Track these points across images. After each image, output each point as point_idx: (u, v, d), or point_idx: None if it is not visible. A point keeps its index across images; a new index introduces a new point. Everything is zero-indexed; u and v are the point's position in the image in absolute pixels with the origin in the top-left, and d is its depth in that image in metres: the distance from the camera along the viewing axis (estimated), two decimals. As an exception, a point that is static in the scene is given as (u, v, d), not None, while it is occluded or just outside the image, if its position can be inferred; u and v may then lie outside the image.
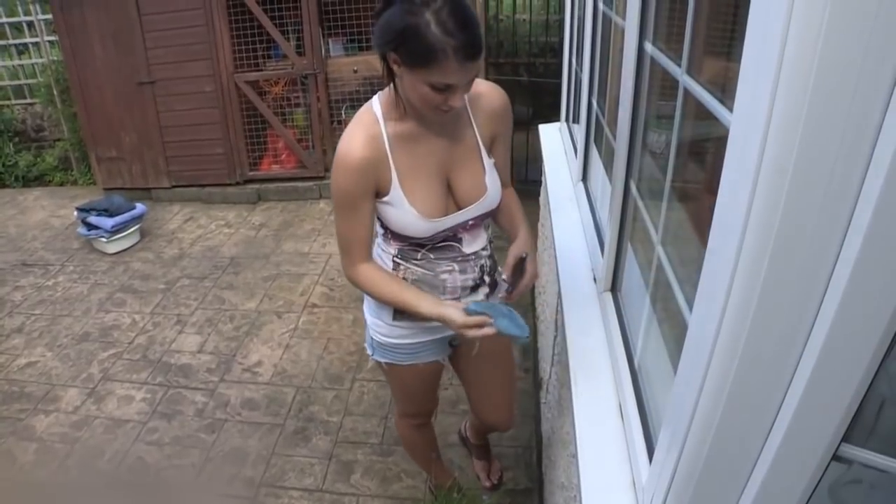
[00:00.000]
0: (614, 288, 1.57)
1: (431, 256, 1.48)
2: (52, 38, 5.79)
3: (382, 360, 1.68)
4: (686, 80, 0.95)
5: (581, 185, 2.20)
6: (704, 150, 1.04)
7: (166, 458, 2.56)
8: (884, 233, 0.55)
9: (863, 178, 0.56)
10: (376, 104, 1.37)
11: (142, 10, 4.43)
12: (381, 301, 1.51)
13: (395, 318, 1.57)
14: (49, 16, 5.16)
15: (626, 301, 1.49)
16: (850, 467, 0.76)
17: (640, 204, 1.30)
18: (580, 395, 1.33)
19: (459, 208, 1.44)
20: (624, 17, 1.57)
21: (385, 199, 1.38)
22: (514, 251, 1.51)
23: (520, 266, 1.49)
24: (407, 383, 1.76)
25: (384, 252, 1.53)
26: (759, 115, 0.60)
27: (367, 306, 1.64)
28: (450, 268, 1.48)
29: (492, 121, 1.46)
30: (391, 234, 1.46)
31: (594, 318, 1.55)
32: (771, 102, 0.58)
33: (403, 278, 1.50)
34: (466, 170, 1.43)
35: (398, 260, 1.50)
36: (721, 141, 0.78)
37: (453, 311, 1.38)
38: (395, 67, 1.24)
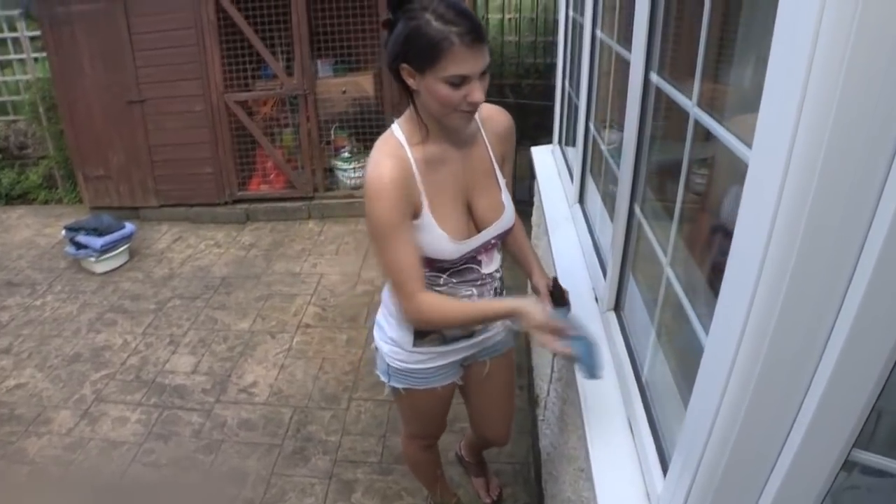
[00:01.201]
0: (617, 307, 1.62)
1: (454, 281, 1.50)
2: (37, 54, 5.78)
3: (400, 387, 1.67)
4: (697, 113, 1.02)
5: (578, 206, 2.27)
6: (711, 176, 1.10)
7: (164, 479, 2.55)
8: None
9: (874, 211, 0.62)
10: (398, 131, 1.37)
11: (132, 29, 4.45)
12: (456, 325, 1.50)
13: (414, 345, 1.58)
14: (36, 32, 5.16)
15: (630, 319, 1.55)
16: (850, 474, 0.82)
17: (646, 225, 1.35)
18: (590, 410, 1.38)
19: (478, 229, 1.48)
20: (616, 42, 1.65)
21: (415, 222, 1.37)
22: (542, 280, 1.61)
23: (557, 290, 1.57)
24: (422, 407, 1.78)
25: None
26: (780, 151, 0.65)
27: (382, 335, 1.65)
28: (469, 292, 1.52)
29: (500, 142, 1.51)
30: None
31: (599, 337, 1.60)
32: (792, 140, 0.64)
33: None
34: (485, 189, 1.47)
35: None
36: (726, 166, 0.83)
37: (535, 307, 1.35)
38: (410, 81, 1.27)
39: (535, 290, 1.68)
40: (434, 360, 1.62)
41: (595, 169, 2.18)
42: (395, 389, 1.70)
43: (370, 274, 4.08)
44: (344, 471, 2.52)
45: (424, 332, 1.58)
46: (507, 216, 1.50)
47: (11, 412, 2.99)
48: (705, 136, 1.06)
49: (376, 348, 1.70)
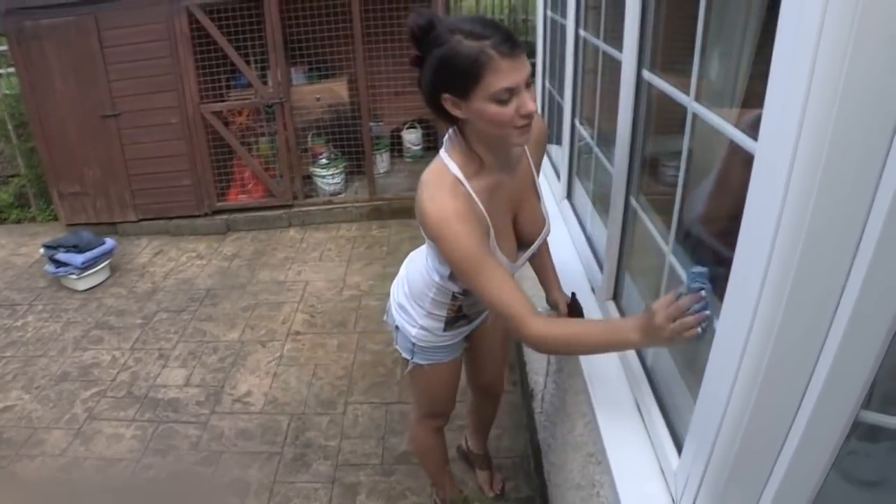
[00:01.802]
0: (615, 297, 1.68)
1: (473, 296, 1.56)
2: (2, 70, 5.67)
3: (425, 363, 1.75)
4: (696, 108, 1.07)
5: (566, 202, 2.32)
6: (709, 165, 1.16)
7: (165, 493, 2.54)
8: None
9: (873, 196, 0.68)
10: (452, 165, 1.30)
11: (104, 43, 4.40)
12: (581, 352, 1.37)
13: (444, 331, 1.67)
14: (2, 47, 5.07)
15: (628, 308, 1.61)
16: (849, 441, 0.87)
17: (646, 217, 1.41)
18: (598, 397, 1.43)
19: (521, 242, 1.50)
20: (602, 40, 1.70)
21: None
22: (561, 296, 1.67)
23: (576, 306, 1.63)
24: (443, 379, 1.84)
25: (442, 289, 1.57)
26: (787, 144, 0.71)
27: (409, 319, 1.69)
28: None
29: (537, 148, 1.51)
30: None
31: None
32: (798, 132, 0.69)
33: (459, 307, 1.59)
34: (528, 202, 1.48)
35: (459, 295, 1.57)
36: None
37: (656, 316, 1.09)
38: (456, 112, 1.22)
39: (553, 305, 1.73)
40: (459, 335, 1.73)
41: (582, 165, 2.23)
42: (417, 366, 1.77)
43: (355, 279, 4.10)
44: (346, 474, 2.54)
45: (454, 319, 1.65)
46: (548, 227, 1.53)
47: (0, 436, 2.94)
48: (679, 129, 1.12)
49: (397, 327, 1.74)
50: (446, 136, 1.36)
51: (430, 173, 1.33)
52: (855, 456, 0.92)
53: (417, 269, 1.63)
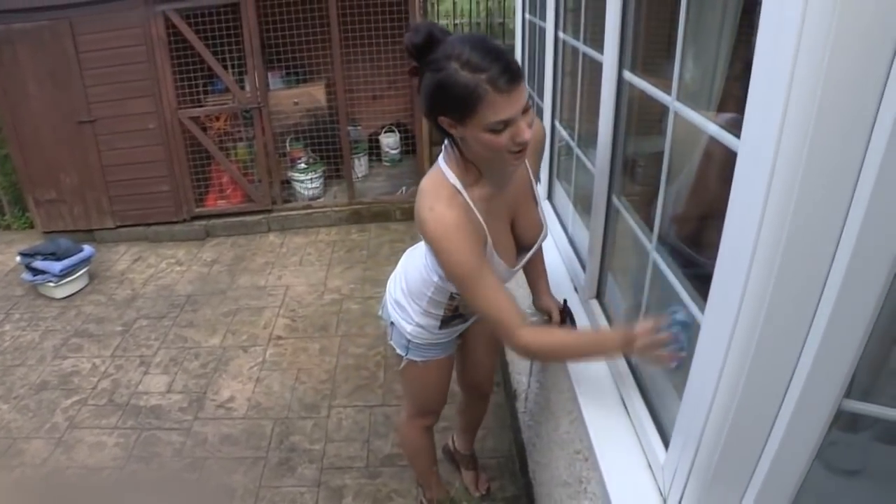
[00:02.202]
0: (598, 295, 1.70)
1: None
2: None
3: (419, 359, 1.76)
4: (678, 107, 1.10)
5: (547, 202, 2.35)
6: (686, 165, 1.18)
7: (150, 501, 2.51)
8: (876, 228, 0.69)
9: (853, 189, 0.70)
10: (449, 175, 1.32)
11: (79, 48, 4.34)
12: (564, 360, 1.45)
13: (440, 329, 1.69)
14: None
15: (612, 305, 1.63)
16: (830, 432, 0.90)
17: (628, 215, 1.43)
18: (584, 394, 1.45)
19: (519, 247, 1.52)
20: (582, 42, 1.73)
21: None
22: (552, 302, 1.69)
23: (568, 313, 1.66)
24: (436, 377, 1.86)
25: (440, 288, 1.58)
26: (769, 141, 0.73)
27: (405, 316, 1.70)
28: None
29: (535, 153, 1.54)
30: None
31: (583, 324, 1.68)
32: (780, 129, 0.71)
33: (456, 306, 1.61)
34: (526, 208, 1.50)
35: (456, 295, 1.58)
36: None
37: (637, 329, 1.19)
38: (452, 131, 1.23)
39: (541, 310, 1.74)
40: (454, 333, 1.76)
41: (562, 166, 2.26)
42: (411, 362, 1.78)
43: (336, 283, 4.09)
44: (332, 478, 2.54)
45: (451, 318, 1.67)
46: (545, 231, 1.55)
47: (-22, 446, 2.89)
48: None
49: (392, 324, 1.76)
50: (443, 146, 1.37)
51: (428, 182, 1.34)
52: (836, 446, 0.95)
53: (416, 266, 1.64)
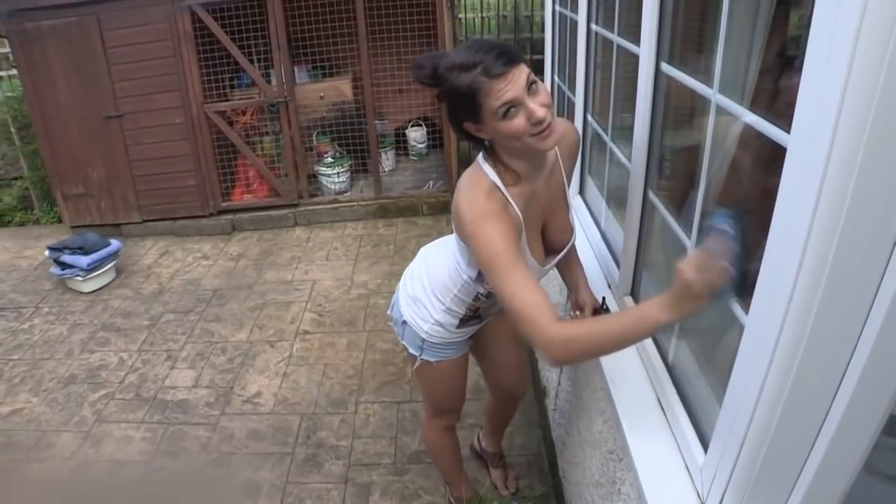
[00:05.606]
0: (633, 292, 1.66)
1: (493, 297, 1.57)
2: (3, 73, 5.66)
3: (433, 360, 1.75)
4: (720, 99, 1.06)
5: (579, 198, 2.31)
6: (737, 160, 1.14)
7: (177, 496, 2.53)
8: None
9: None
10: (489, 171, 1.34)
11: (106, 43, 4.38)
12: (606, 352, 1.26)
13: (458, 328, 1.68)
14: (4, 50, 5.07)
15: (647, 303, 1.59)
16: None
17: (665, 211, 1.39)
18: (617, 393, 1.42)
19: (549, 250, 1.52)
20: (616, 34, 1.68)
21: None
22: (589, 298, 1.66)
23: (606, 311, 1.62)
24: (451, 376, 1.84)
25: (467, 287, 1.58)
26: (823, 136, 0.69)
27: (423, 314, 1.68)
28: None
29: (570, 158, 1.54)
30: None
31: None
32: (835, 124, 0.67)
33: (477, 308, 1.60)
34: (558, 211, 1.50)
35: (482, 296, 1.58)
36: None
37: (680, 289, 1.04)
38: (479, 134, 1.29)
39: (577, 306, 1.70)
40: (468, 333, 1.75)
41: (594, 160, 2.22)
42: (425, 363, 1.76)
43: (363, 277, 4.09)
44: (359, 474, 2.53)
45: (469, 318, 1.66)
46: (575, 235, 1.56)
47: (9, 439, 2.93)
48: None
49: (404, 322, 1.73)
50: (480, 153, 1.40)
51: (467, 177, 1.37)
52: (878, 450, 0.91)
53: (444, 262, 1.62)
